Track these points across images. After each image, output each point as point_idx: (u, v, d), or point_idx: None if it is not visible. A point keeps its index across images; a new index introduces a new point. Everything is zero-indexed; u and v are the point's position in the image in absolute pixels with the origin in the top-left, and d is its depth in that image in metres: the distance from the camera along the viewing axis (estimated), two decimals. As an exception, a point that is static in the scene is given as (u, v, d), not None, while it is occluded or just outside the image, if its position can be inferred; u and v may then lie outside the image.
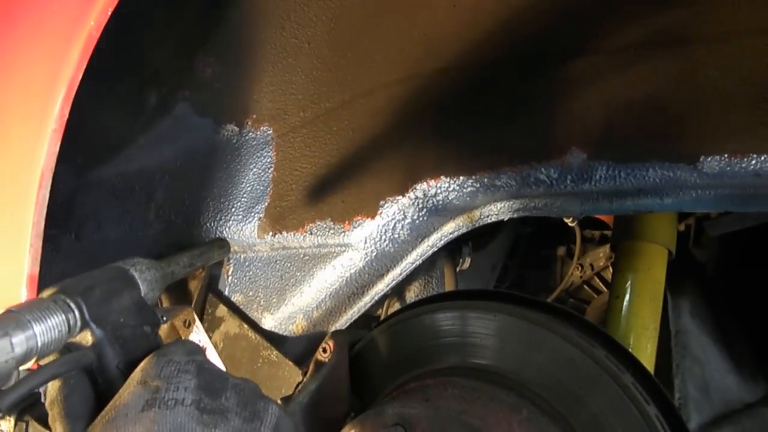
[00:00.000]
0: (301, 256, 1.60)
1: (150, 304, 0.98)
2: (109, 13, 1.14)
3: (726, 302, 1.79)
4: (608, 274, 2.22)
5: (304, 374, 1.22)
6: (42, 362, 0.82)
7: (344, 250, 1.52)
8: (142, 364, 0.83)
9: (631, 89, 1.16)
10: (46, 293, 0.86)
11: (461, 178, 1.32)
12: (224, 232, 1.64)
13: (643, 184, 1.17)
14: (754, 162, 1.06)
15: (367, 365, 1.16)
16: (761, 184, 1.09)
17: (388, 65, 1.45)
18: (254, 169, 1.63)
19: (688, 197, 1.18)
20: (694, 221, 1.87)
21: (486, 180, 1.29)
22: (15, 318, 0.77)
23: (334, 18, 1.47)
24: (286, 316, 1.63)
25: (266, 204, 1.61)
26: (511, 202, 1.34)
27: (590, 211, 1.26)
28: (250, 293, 1.67)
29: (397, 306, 1.86)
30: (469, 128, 1.32)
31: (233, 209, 1.64)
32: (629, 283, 1.49)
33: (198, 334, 1.06)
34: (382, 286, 1.56)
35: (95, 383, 0.85)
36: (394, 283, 1.55)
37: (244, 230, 1.62)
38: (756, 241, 1.61)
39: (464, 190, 1.33)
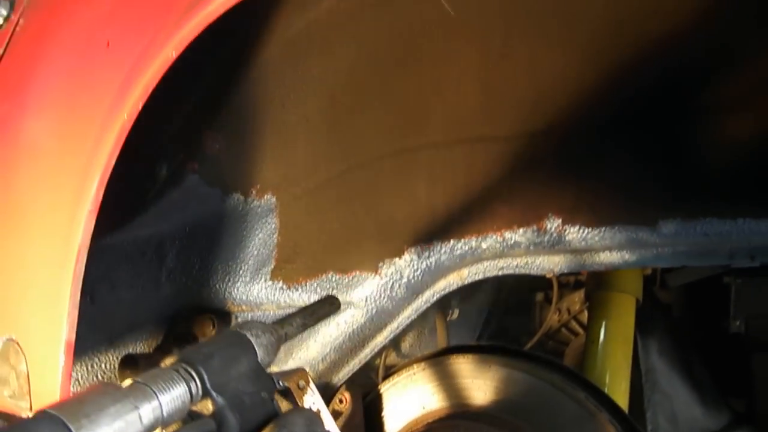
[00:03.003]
0: (307, 313, 1.74)
1: (265, 368, 0.99)
2: (140, 107, 1.28)
3: (690, 340, 1.97)
4: (584, 316, 2.37)
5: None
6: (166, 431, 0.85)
7: (347, 308, 1.66)
8: None
9: (597, 163, 1.35)
10: (168, 362, 0.90)
11: (451, 241, 1.49)
12: (232, 293, 1.76)
13: (611, 244, 1.35)
14: (702, 224, 1.25)
15: (379, 413, 1.30)
16: (710, 242, 1.28)
17: (379, 140, 1.59)
18: (260, 235, 1.75)
19: (650, 254, 1.37)
20: (660, 268, 2.05)
21: (473, 243, 1.46)
22: (142, 390, 0.80)
23: (330, 96, 1.61)
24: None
25: (272, 267, 1.74)
26: (496, 262, 1.51)
27: (566, 269, 1.43)
28: (255, 348, 1.78)
29: (393, 355, 2.00)
30: (457, 196, 1.49)
31: (241, 272, 1.76)
32: (603, 329, 1.66)
33: (312, 396, 1.07)
34: (381, 339, 1.69)
35: None
36: (392, 335, 1.68)
37: (251, 291, 1.75)
38: (713, 286, 1.79)
39: (454, 253, 1.49)
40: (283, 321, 1.18)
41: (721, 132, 1.26)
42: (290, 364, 1.75)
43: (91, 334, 1.79)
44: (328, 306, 1.34)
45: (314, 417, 0.91)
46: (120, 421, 0.75)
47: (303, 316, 1.24)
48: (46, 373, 1.36)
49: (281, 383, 1.00)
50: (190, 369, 0.87)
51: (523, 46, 1.38)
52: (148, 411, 0.78)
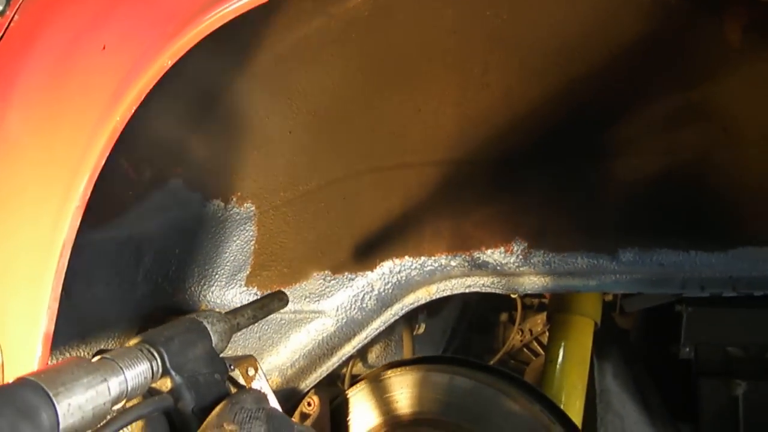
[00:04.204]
0: (279, 320, 1.78)
1: (219, 353, 1.08)
2: (133, 111, 1.32)
3: (644, 365, 2.06)
4: (545, 338, 2.44)
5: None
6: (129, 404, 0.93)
7: (318, 317, 1.72)
8: (217, 409, 0.94)
9: (561, 190, 1.43)
10: (132, 342, 0.97)
11: (422, 258, 1.56)
12: (207, 296, 1.80)
13: (573, 269, 1.43)
14: (658, 255, 1.34)
15: (345, 418, 1.36)
16: (664, 271, 1.38)
17: (358, 157, 1.65)
18: (237, 241, 1.79)
19: (609, 280, 1.45)
20: (619, 294, 2.13)
21: (443, 261, 1.53)
22: (110, 365, 0.88)
23: (314, 112, 1.65)
24: (262, 373, 1.81)
25: (248, 273, 1.79)
26: (464, 280, 1.58)
27: (529, 290, 1.51)
28: (229, 352, 1.83)
29: (360, 365, 2.06)
30: (429, 216, 1.56)
31: (216, 276, 1.80)
32: (562, 349, 1.74)
33: (260, 381, 1.15)
34: (349, 348, 1.75)
35: (172, 425, 0.96)
36: (359, 345, 1.75)
37: (226, 295, 1.79)
38: (666, 313, 1.88)
39: (424, 269, 1.56)
40: (236, 312, 1.26)
41: (671, 171, 1.36)
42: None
43: (64, 329, 1.79)
44: (277, 301, 1.42)
45: (262, 396, 0.99)
46: (91, 391, 0.83)
47: (253, 308, 1.33)
48: (22, 363, 1.37)
49: (233, 367, 1.10)
50: (152, 349, 0.95)
51: (501, 76, 1.45)
52: (115, 384, 0.87)
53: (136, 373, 0.91)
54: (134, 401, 0.94)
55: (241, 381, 1.17)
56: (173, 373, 0.96)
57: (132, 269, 1.83)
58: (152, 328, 1.03)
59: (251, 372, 1.16)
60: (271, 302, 1.41)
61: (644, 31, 1.24)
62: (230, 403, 0.95)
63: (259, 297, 1.73)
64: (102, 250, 1.80)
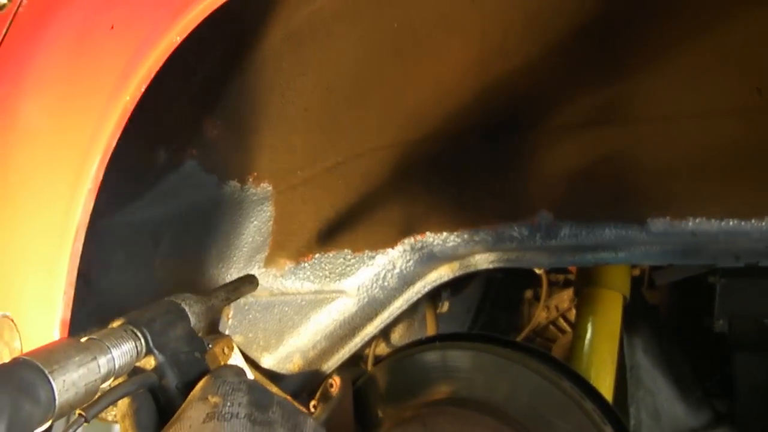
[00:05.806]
0: (299, 301, 1.76)
1: (197, 333, 1.13)
2: (143, 90, 1.30)
3: (676, 339, 2.00)
4: (572, 314, 2.41)
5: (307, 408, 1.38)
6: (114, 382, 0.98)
7: (339, 296, 1.69)
8: (200, 383, 0.98)
9: (588, 158, 1.38)
10: (116, 323, 1.02)
11: (444, 233, 1.52)
12: (226, 278, 1.79)
13: (601, 240, 1.38)
14: (690, 224, 1.28)
15: (368, 398, 1.33)
16: (697, 241, 1.31)
17: (377, 132, 1.62)
18: (255, 222, 1.78)
19: (639, 252, 1.40)
20: (648, 267, 2.09)
21: (466, 236, 1.48)
22: (99, 345, 0.94)
23: (330, 88, 1.64)
24: (284, 355, 1.78)
25: (266, 254, 1.77)
26: (488, 255, 1.54)
27: (556, 264, 1.46)
28: (250, 334, 1.82)
29: (383, 346, 2.03)
30: (452, 190, 1.52)
31: (234, 258, 1.79)
32: (590, 324, 1.69)
33: (236, 359, 1.21)
34: (371, 329, 1.73)
35: (157, 401, 1.00)
36: (382, 325, 1.72)
37: (245, 277, 1.78)
38: (699, 286, 1.83)
39: (447, 245, 1.52)
40: (210, 294, 1.32)
41: (703, 135, 1.29)
42: (281, 350, 1.78)
43: (83, 316, 1.81)
44: (248, 284, 1.48)
45: (241, 370, 1.04)
46: (83, 368, 0.89)
47: (227, 290, 1.39)
48: (40, 350, 1.37)
49: (210, 346, 1.15)
50: (135, 330, 1.01)
51: (521, 44, 1.40)
52: (104, 362, 0.93)
53: (122, 351, 0.96)
54: (120, 380, 0.99)
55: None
56: (156, 352, 1.01)
57: (149, 254, 1.82)
58: (134, 311, 1.08)
59: (226, 351, 1.22)
60: (243, 285, 1.47)
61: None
62: (213, 378, 0.99)
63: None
64: (119, 235, 1.80)
